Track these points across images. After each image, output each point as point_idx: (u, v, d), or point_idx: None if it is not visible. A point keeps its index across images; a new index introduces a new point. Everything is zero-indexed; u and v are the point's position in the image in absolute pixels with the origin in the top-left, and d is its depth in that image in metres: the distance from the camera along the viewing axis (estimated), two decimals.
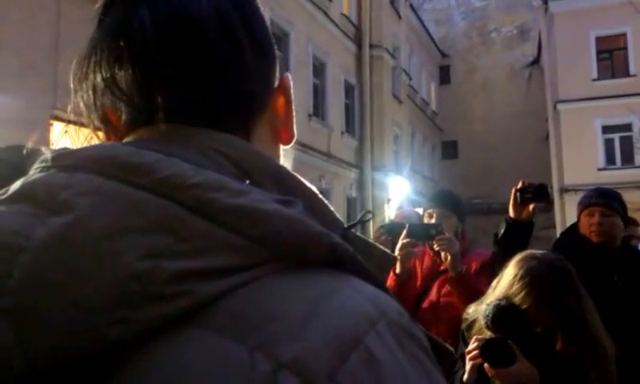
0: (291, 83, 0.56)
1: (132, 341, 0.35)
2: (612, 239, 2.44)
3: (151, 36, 0.46)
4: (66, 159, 0.42)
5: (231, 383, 0.33)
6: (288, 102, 0.55)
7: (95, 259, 0.36)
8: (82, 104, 0.50)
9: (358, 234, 0.49)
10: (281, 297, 0.37)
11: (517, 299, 1.62)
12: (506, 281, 1.68)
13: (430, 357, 0.40)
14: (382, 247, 0.51)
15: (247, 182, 0.43)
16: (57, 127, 6.66)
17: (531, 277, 1.63)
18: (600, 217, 2.43)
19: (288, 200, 0.42)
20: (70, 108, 0.52)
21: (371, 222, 11.49)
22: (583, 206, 2.53)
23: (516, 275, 1.66)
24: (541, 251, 1.81)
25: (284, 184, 0.45)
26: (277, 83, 0.55)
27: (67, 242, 0.37)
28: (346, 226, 0.47)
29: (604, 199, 2.47)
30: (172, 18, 0.47)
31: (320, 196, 0.46)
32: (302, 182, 0.46)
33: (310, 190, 0.46)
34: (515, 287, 1.64)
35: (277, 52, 0.56)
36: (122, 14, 0.48)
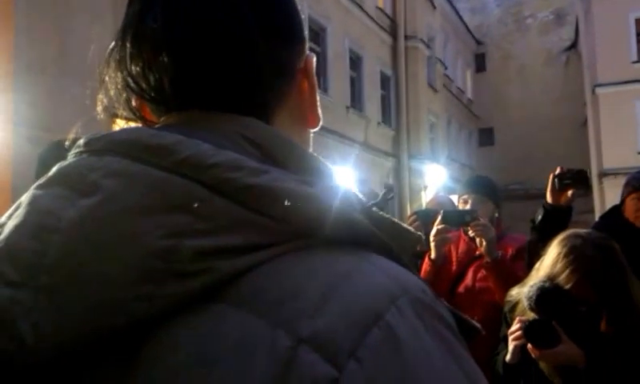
0: (314, 64, 0.55)
1: (158, 317, 0.36)
2: None
3: (161, 31, 0.47)
4: (95, 143, 0.44)
5: (254, 358, 0.34)
6: (311, 85, 0.54)
7: (120, 238, 0.37)
8: (110, 95, 0.52)
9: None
10: (301, 274, 0.38)
11: (561, 278, 1.60)
12: (549, 260, 1.66)
13: (454, 333, 0.39)
14: (407, 226, 0.50)
15: (269, 162, 0.43)
16: (118, 126, 7.17)
17: (575, 255, 1.60)
18: None
19: (308, 179, 0.42)
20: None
21: (408, 209, 11.72)
22: (633, 188, 2.36)
23: (560, 253, 1.63)
24: (585, 230, 1.78)
25: (305, 165, 0.45)
26: (301, 64, 0.53)
27: (94, 221, 0.38)
28: (368, 204, 0.47)
29: None
30: (182, 12, 0.47)
31: (341, 176, 0.47)
32: (323, 162, 0.46)
33: (331, 170, 0.46)
34: (559, 265, 1.61)
35: (304, 35, 0.55)
36: (139, 10, 0.49)
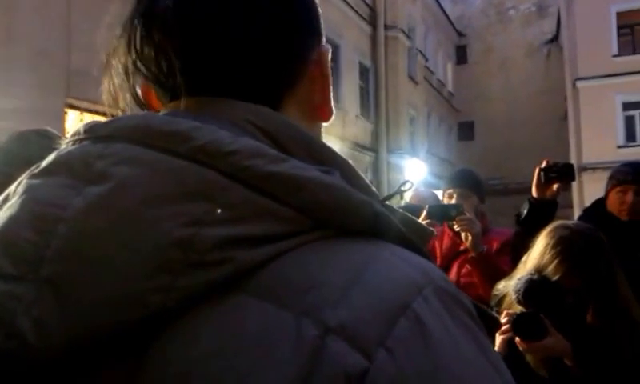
0: (329, 57, 0.54)
1: (176, 308, 0.35)
2: None
3: (173, 13, 0.46)
4: (100, 130, 0.42)
5: (278, 349, 0.33)
6: (324, 77, 0.53)
7: (135, 227, 0.36)
8: (113, 83, 0.50)
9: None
10: (324, 264, 0.37)
11: (549, 269, 1.60)
12: (537, 252, 1.66)
13: (477, 322, 0.39)
14: (419, 221, 0.50)
15: (279, 150, 0.42)
16: (71, 116, 6.68)
17: (563, 245, 1.61)
18: (634, 196, 2.30)
19: (326, 169, 0.41)
20: (101, 95, 0.51)
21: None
22: (617, 181, 2.38)
23: (548, 244, 1.63)
24: (572, 221, 1.78)
25: (317, 154, 0.44)
26: (314, 56, 0.52)
27: (105, 210, 0.37)
28: (382, 197, 0.46)
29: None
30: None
31: (354, 167, 0.45)
32: (335, 152, 0.45)
33: (343, 160, 0.45)
34: (547, 257, 1.61)
35: (320, 26, 0.54)
36: None
